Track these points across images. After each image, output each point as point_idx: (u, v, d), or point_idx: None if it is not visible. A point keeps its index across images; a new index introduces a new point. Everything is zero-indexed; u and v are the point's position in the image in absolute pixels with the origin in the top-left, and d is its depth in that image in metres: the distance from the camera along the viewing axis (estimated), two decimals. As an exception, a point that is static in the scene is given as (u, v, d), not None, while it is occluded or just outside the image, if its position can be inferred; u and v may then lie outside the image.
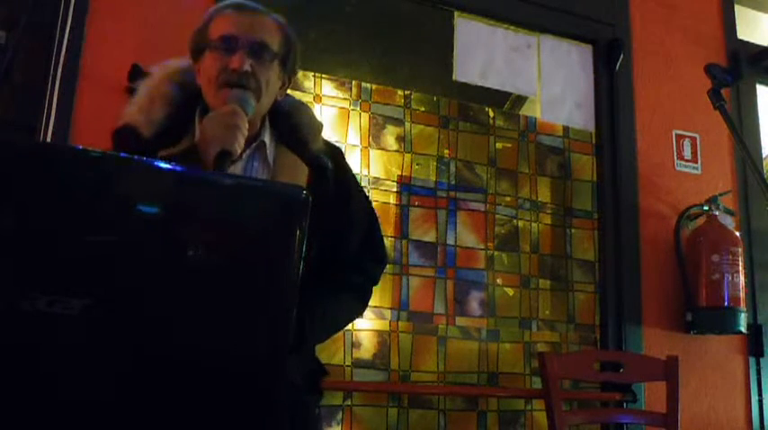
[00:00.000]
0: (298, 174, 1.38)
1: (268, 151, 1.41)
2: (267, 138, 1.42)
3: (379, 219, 1.61)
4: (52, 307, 0.73)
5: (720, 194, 2.73)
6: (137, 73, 1.87)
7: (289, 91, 2.36)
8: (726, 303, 2.56)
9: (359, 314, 1.61)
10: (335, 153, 1.51)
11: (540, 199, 2.66)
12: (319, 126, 1.50)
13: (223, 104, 1.31)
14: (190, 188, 0.87)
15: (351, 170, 1.55)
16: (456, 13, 2.64)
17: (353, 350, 2.26)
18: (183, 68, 1.44)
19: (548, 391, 2.05)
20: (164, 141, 1.34)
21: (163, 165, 0.89)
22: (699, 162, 2.89)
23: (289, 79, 1.48)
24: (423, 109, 2.55)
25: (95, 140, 1.42)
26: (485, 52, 2.66)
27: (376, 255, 1.55)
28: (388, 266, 2.32)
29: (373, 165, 2.42)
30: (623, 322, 2.60)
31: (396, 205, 2.42)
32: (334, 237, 1.38)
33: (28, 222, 0.76)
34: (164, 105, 1.38)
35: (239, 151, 1.28)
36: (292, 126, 1.45)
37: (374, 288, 1.57)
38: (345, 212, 1.44)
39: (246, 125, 1.29)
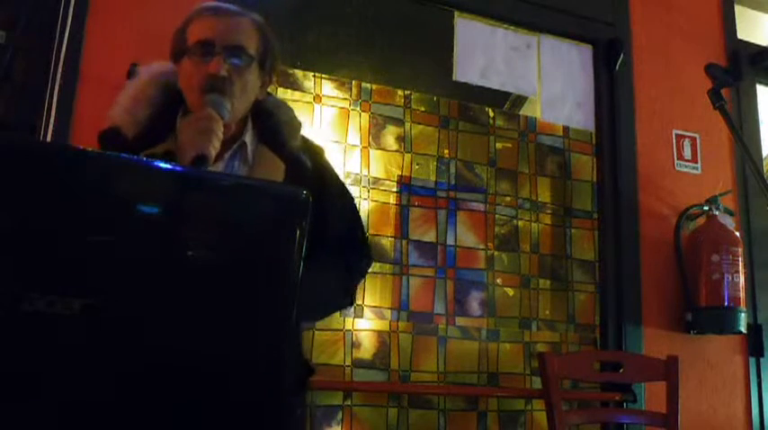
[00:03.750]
0: (274, 171, 1.39)
1: (249, 151, 1.43)
2: (249, 138, 1.44)
3: (365, 218, 1.61)
4: (52, 307, 0.73)
5: (720, 194, 2.73)
6: (137, 68, 1.87)
7: (289, 90, 2.37)
8: (726, 303, 2.56)
9: (343, 306, 1.62)
10: (314, 151, 1.51)
11: (540, 199, 2.65)
12: (298, 125, 1.51)
13: (201, 109, 1.33)
14: (190, 188, 0.87)
15: (330, 168, 1.55)
16: (456, 13, 2.64)
17: (353, 350, 2.26)
18: (167, 71, 1.46)
19: (548, 391, 2.05)
20: (146, 142, 1.36)
21: (163, 165, 0.89)
22: (699, 162, 2.89)
23: (270, 78, 1.49)
24: (423, 109, 2.55)
25: (95, 140, 1.43)
26: (485, 52, 2.66)
27: (361, 251, 1.56)
28: (387, 266, 2.34)
29: (373, 165, 2.42)
30: (623, 322, 2.60)
31: (396, 205, 2.42)
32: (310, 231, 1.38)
33: (28, 222, 0.76)
34: (147, 106, 1.40)
35: (214, 155, 1.29)
36: (272, 125, 1.46)
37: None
38: (321, 208, 1.43)
39: (221, 129, 1.31)
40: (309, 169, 1.43)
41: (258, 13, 1.49)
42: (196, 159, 1.25)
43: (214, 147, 1.28)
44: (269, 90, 1.55)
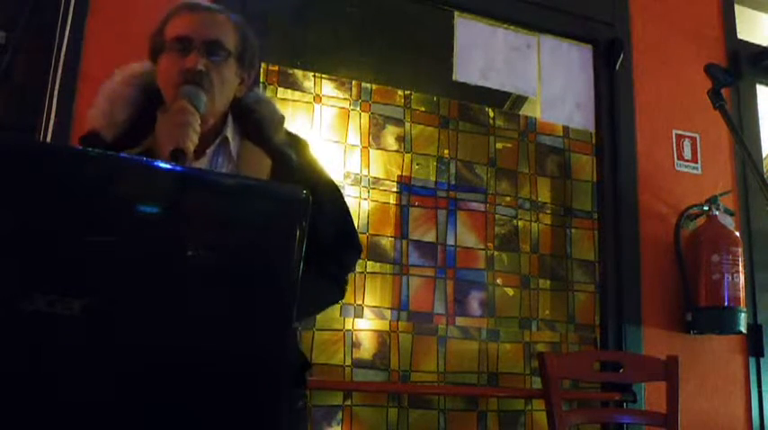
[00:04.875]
0: (260, 166, 1.39)
1: (232, 147, 1.43)
2: (230, 133, 1.44)
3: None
4: (52, 307, 0.73)
5: (720, 194, 2.73)
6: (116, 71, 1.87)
7: (289, 90, 2.37)
8: (726, 303, 2.56)
9: (335, 300, 1.61)
10: (300, 144, 1.51)
11: (540, 199, 2.66)
12: (281, 118, 1.50)
13: (177, 101, 1.32)
14: (190, 188, 0.87)
15: (317, 161, 1.54)
16: (456, 13, 2.64)
17: (353, 350, 2.26)
18: (143, 71, 1.45)
19: (548, 391, 2.05)
20: (126, 143, 1.35)
21: (163, 165, 0.89)
22: (699, 162, 2.89)
23: (249, 76, 1.49)
24: (423, 109, 2.55)
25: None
26: (485, 52, 2.66)
27: (350, 244, 1.56)
28: (388, 266, 2.34)
29: (373, 165, 2.42)
30: (623, 322, 2.60)
31: (396, 205, 2.42)
32: None
33: (28, 222, 0.76)
34: (125, 107, 1.40)
35: (192, 148, 1.28)
36: (255, 120, 1.46)
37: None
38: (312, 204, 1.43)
39: (198, 121, 1.30)
40: (296, 163, 1.43)
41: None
42: (173, 153, 1.23)
43: (192, 141, 1.27)
44: (257, 90, 1.55)
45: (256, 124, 1.46)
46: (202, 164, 1.38)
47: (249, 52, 1.46)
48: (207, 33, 1.38)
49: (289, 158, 1.42)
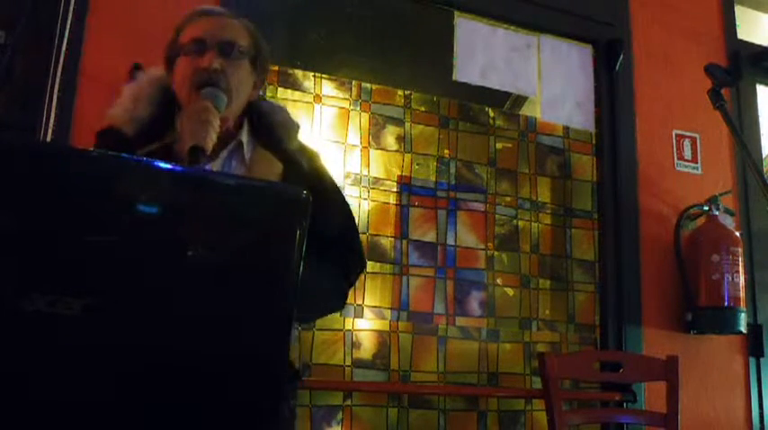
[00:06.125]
0: (271, 171, 1.41)
1: (245, 151, 1.45)
2: (245, 138, 1.46)
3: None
4: (52, 307, 0.73)
5: (720, 194, 2.73)
6: (137, 72, 1.88)
7: (289, 90, 2.37)
8: (726, 303, 2.56)
9: (336, 306, 1.61)
10: (311, 155, 1.53)
11: (540, 199, 2.65)
12: (296, 126, 1.53)
13: (198, 101, 1.35)
14: (190, 188, 0.87)
15: (327, 173, 1.56)
16: (456, 13, 2.64)
17: (353, 350, 2.26)
18: (164, 75, 1.49)
19: (548, 391, 2.05)
20: (146, 139, 1.39)
21: (163, 165, 0.89)
22: (699, 162, 2.89)
23: (261, 80, 1.52)
24: (423, 109, 2.55)
25: (94, 140, 1.44)
26: (485, 52, 2.66)
27: (355, 252, 1.56)
28: (388, 266, 2.34)
29: (373, 165, 2.42)
30: (623, 322, 2.60)
31: (396, 205, 2.42)
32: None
33: (28, 222, 0.76)
34: (148, 105, 1.44)
35: (211, 145, 1.31)
36: (268, 125, 1.49)
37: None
38: (317, 210, 1.44)
39: (218, 121, 1.33)
40: (306, 171, 1.45)
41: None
42: (192, 149, 1.26)
43: (210, 138, 1.30)
44: (266, 95, 1.57)
45: (269, 129, 1.48)
46: (216, 166, 1.40)
47: (262, 56, 1.49)
48: (221, 35, 1.42)
49: (300, 165, 1.44)
